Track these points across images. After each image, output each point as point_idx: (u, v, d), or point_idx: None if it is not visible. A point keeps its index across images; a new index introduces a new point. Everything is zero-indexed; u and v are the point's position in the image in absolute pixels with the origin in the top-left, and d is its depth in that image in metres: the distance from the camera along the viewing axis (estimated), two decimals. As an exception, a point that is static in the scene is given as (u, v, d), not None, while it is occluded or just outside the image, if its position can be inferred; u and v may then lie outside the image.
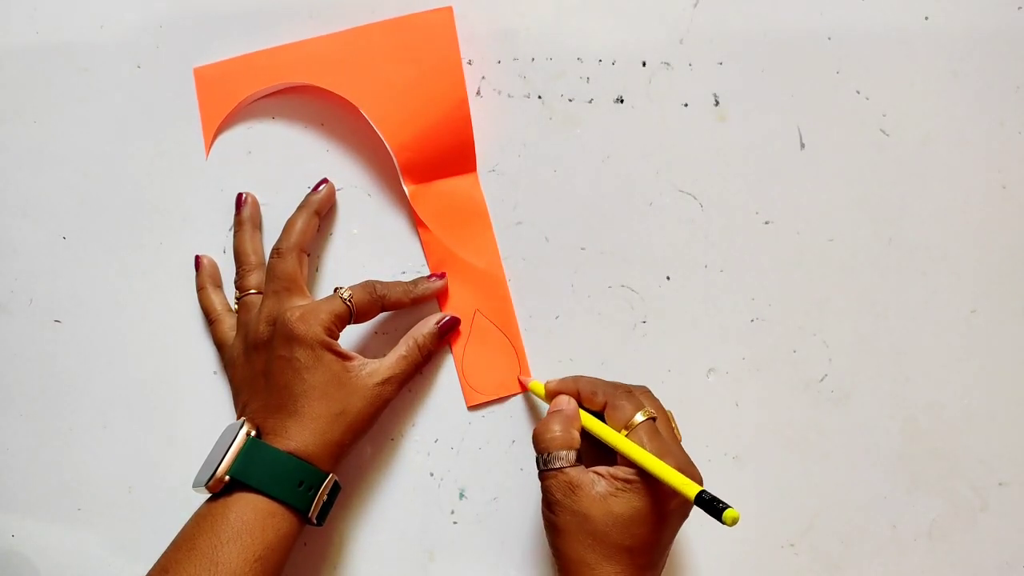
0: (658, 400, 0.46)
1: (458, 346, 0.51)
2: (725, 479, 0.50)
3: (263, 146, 0.53)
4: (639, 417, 0.43)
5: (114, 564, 0.53)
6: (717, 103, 0.51)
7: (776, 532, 0.50)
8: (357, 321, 0.48)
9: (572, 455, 0.43)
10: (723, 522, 0.36)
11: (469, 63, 0.51)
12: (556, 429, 0.44)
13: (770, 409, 0.51)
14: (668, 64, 0.51)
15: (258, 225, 0.52)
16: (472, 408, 0.51)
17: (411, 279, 0.50)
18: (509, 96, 0.52)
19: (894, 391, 0.51)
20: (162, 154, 0.53)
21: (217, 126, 0.53)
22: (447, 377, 0.51)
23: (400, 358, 0.48)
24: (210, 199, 0.53)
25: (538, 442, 0.44)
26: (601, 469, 0.42)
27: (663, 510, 0.41)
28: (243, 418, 0.46)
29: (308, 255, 0.50)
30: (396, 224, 0.52)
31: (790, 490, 0.50)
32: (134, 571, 0.52)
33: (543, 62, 0.51)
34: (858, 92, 0.51)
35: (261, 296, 0.49)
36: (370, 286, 0.48)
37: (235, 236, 0.52)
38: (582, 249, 0.51)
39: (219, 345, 0.51)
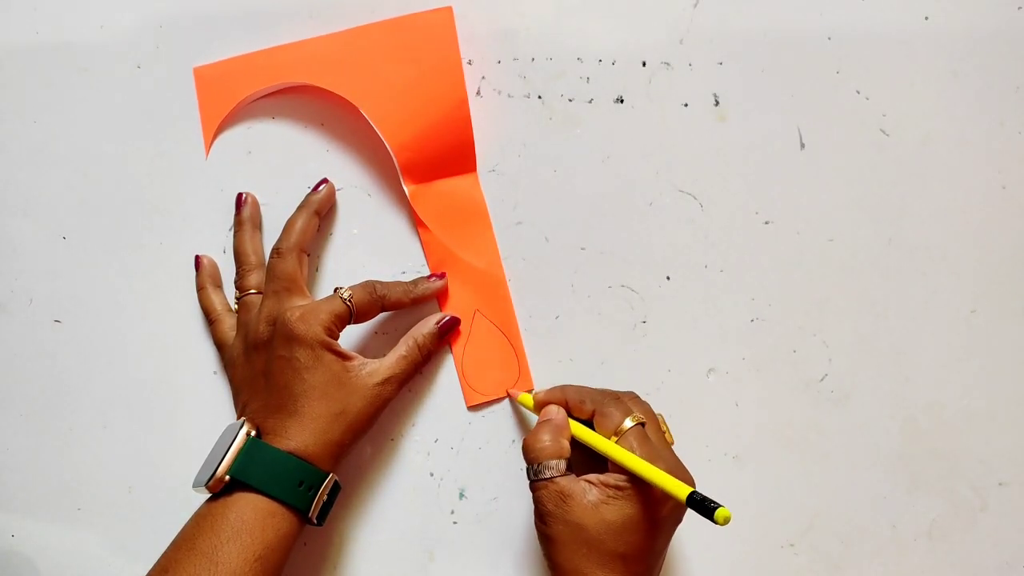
0: (647, 404, 0.46)
1: (458, 346, 0.51)
2: (725, 479, 0.50)
3: (263, 146, 0.53)
4: (628, 423, 0.43)
5: (114, 564, 0.53)
6: (717, 103, 0.51)
7: (776, 532, 0.50)
8: (357, 321, 0.48)
9: (562, 464, 0.43)
10: (715, 521, 0.36)
11: (469, 63, 0.51)
12: (546, 439, 0.44)
13: (770, 409, 0.51)
14: (668, 64, 0.51)
15: (258, 225, 0.52)
16: (472, 408, 0.51)
17: (411, 279, 0.50)
18: (509, 96, 0.52)
19: (894, 391, 0.51)
20: (162, 154, 0.53)
21: (217, 126, 0.53)
22: (447, 377, 0.51)
23: (400, 358, 0.48)
24: (210, 199, 0.53)
25: (528, 452, 0.44)
26: (592, 477, 0.42)
27: (656, 516, 0.41)
28: (243, 418, 0.46)
29: (308, 255, 0.50)
30: (396, 224, 0.52)
31: (790, 490, 0.50)
32: (134, 571, 0.52)
33: (543, 62, 0.51)
34: (858, 92, 0.51)
35: (261, 296, 0.49)
36: (370, 286, 0.48)
37: (235, 236, 0.52)
38: (582, 249, 0.51)
39: (219, 345, 0.51)
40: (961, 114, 0.51)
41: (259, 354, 0.47)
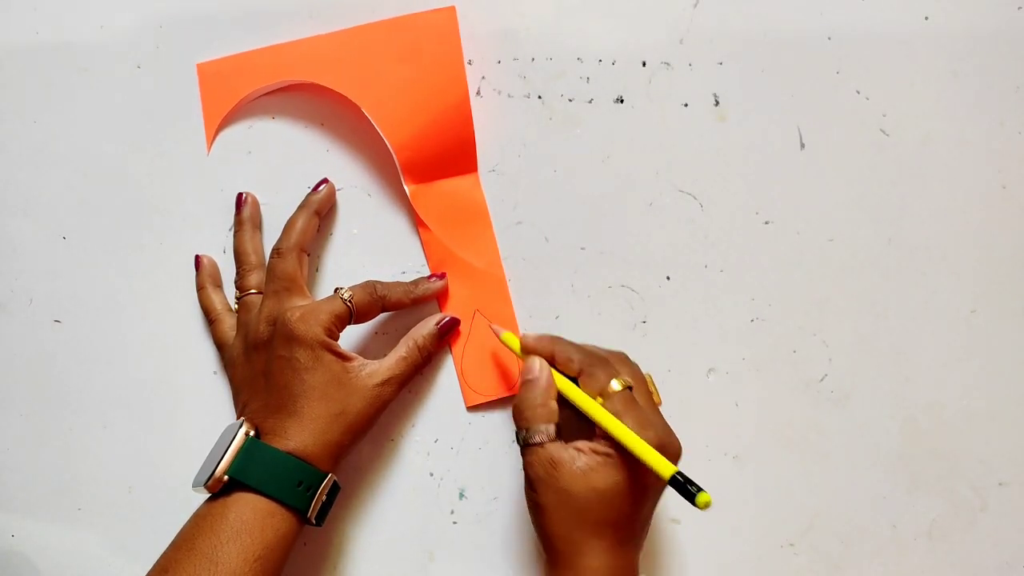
0: (636, 366, 0.45)
1: (458, 347, 0.51)
2: (725, 479, 0.50)
3: (263, 146, 0.53)
4: (615, 385, 0.42)
5: (114, 564, 0.53)
6: (717, 103, 0.51)
7: (776, 532, 0.50)
8: (357, 321, 0.48)
9: (552, 429, 0.42)
10: (696, 505, 0.36)
11: (469, 63, 0.51)
12: (536, 403, 0.43)
13: (770, 409, 0.51)
14: (668, 64, 0.51)
15: (258, 225, 0.52)
16: (471, 409, 0.51)
17: (411, 279, 0.50)
18: (509, 96, 0.52)
19: (894, 391, 0.51)
20: (162, 154, 0.53)
21: (219, 122, 0.53)
22: (447, 377, 0.51)
23: (400, 359, 0.48)
24: (210, 199, 0.53)
25: (517, 416, 0.43)
26: (582, 444, 0.42)
27: (643, 483, 0.41)
28: (242, 418, 0.46)
29: (308, 255, 0.50)
30: (396, 224, 0.52)
31: (790, 490, 0.50)
32: (134, 571, 0.52)
33: (543, 62, 0.51)
34: (858, 92, 0.51)
35: (261, 296, 0.49)
36: (370, 286, 0.48)
37: (235, 236, 0.52)
38: (582, 249, 0.51)
39: (219, 345, 0.51)
40: (961, 114, 0.51)
41: (259, 354, 0.47)
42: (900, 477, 0.50)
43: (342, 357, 0.46)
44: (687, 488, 0.37)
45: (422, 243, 0.52)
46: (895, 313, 0.51)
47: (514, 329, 0.51)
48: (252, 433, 0.45)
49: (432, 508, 0.51)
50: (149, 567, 0.43)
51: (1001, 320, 0.50)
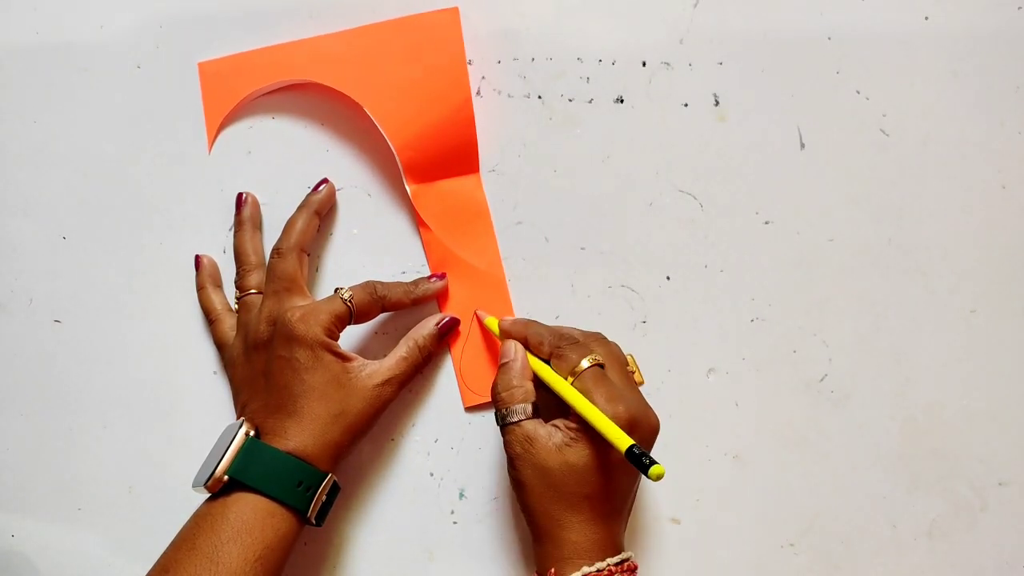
0: (613, 345, 0.46)
1: (457, 347, 0.51)
2: (725, 479, 0.50)
3: (264, 146, 0.53)
4: (584, 363, 0.43)
5: (114, 564, 0.53)
6: (717, 103, 0.51)
7: (776, 532, 0.50)
8: (357, 322, 0.48)
9: (528, 408, 0.44)
10: (649, 477, 0.37)
11: (469, 63, 0.51)
12: (512, 384, 0.44)
13: (770, 409, 0.51)
14: (668, 64, 0.51)
15: (258, 225, 0.52)
16: (470, 409, 0.51)
17: (411, 279, 0.50)
18: (509, 96, 0.52)
19: (894, 391, 0.51)
20: (162, 154, 0.53)
21: (220, 121, 0.53)
22: (447, 378, 0.51)
23: (400, 359, 0.48)
24: (210, 199, 0.53)
25: (494, 398, 0.45)
26: (558, 421, 0.43)
27: (610, 459, 0.42)
28: (242, 418, 0.46)
29: (308, 255, 0.50)
30: (396, 224, 0.52)
31: (790, 490, 0.50)
32: (134, 571, 0.52)
33: (543, 62, 0.51)
34: (858, 92, 0.51)
35: (261, 296, 0.49)
36: (370, 287, 0.48)
37: (235, 236, 0.52)
38: (582, 249, 0.51)
39: (219, 345, 0.51)
40: (961, 114, 0.51)
41: (259, 354, 0.47)
42: (900, 477, 0.50)
43: (342, 357, 0.46)
44: (642, 460, 0.38)
45: (422, 243, 0.52)
46: (895, 313, 0.51)
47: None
48: (252, 433, 0.45)
49: (432, 508, 0.51)
50: (149, 567, 0.43)
51: (1001, 320, 0.50)
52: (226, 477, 0.44)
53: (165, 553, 0.43)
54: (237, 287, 0.51)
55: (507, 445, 0.44)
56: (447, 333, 0.50)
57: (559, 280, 0.51)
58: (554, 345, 0.45)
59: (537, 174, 0.51)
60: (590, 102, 0.51)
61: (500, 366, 0.46)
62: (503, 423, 0.44)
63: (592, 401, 0.41)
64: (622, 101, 0.51)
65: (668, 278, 0.51)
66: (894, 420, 0.50)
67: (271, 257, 0.49)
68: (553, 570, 0.41)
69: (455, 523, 0.51)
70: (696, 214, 0.51)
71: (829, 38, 0.51)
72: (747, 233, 0.51)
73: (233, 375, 0.50)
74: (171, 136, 0.53)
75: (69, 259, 0.54)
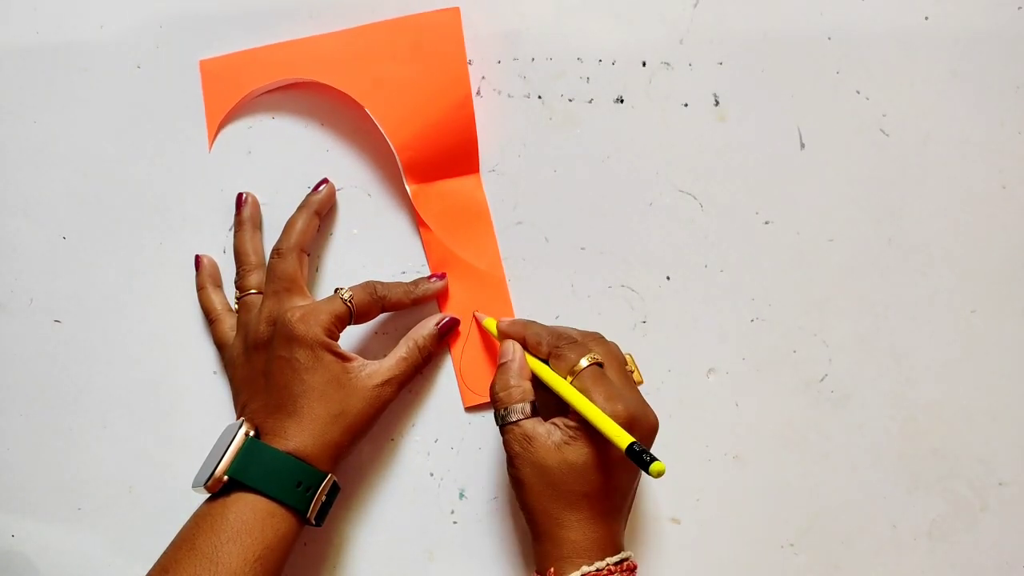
0: (612, 344, 0.46)
1: (457, 347, 0.51)
2: (725, 479, 0.50)
3: (264, 146, 0.53)
4: (583, 363, 0.43)
5: (114, 564, 0.53)
6: (717, 103, 0.51)
7: (776, 532, 0.50)
8: (357, 322, 0.48)
9: (527, 407, 0.44)
10: (650, 474, 0.37)
11: (469, 63, 0.51)
12: (510, 384, 0.44)
13: (770, 409, 0.51)
14: (668, 64, 0.51)
15: (258, 225, 0.52)
16: (469, 409, 0.51)
17: (411, 280, 0.50)
18: (509, 96, 0.52)
19: (894, 391, 0.51)
20: (162, 154, 0.53)
21: (221, 119, 0.53)
22: (447, 378, 0.51)
23: (400, 359, 0.48)
24: (210, 199, 0.53)
25: (493, 398, 0.45)
26: (557, 420, 0.43)
27: (610, 457, 0.42)
28: (242, 418, 0.46)
29: (308, 255, 0.50)
30: (396, 224, 0.52)
31: (790, 490, 0.50)
32: (134, 571, 0.52)
33: (543, 62, 0.51)
34: (858, 92, 0.51)
35: (261, 296, 0.49)
36: (371, 287, 0.48)
37: (235, 236, 0.52)
38: (582, 249, 0.51)
39: (219, 345, 0.51)
40: (961, 114, 0.51)
41: (259, 354, 0.47)
42: (900, 477, 0.50)
43: (342, 357, 0.46)
44: (642, 458, 0.38)
45: (423, 243, 0.52)
46: (895, 313, 0.51)
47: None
48: (252, 433, 0.45)
49: (432, 508, 0.51)
50: (149, 567, 0.43)
51: (1001, 320, 0.50)
52: (226, 477, 0.44)
53: (165, 553, 0.43)
54: (237, 287, 0.51)
55: (506, 444, 0.44)
56: (447, 333, 0.50)
57: (559, 280, 0.51)
58: (552, 345, 0.45)
59: (537, 174, 0.52)
60: (590, 102, 0.51)
61: (498, 366, 0.46)
62: (502, 423, 0.44)
63: (591, 400, 0.41)
64: (622, 101, 0.51)
65: (668, 278, 0.51)
66: (894, 420, 0.50)
67: (271, 257, 0.49)
68: (552, 569, 0.41)
69: (455, 523, 0.51)
70: (696, 214, 0.51)
71: (829, 38, 0.51)
72: (747, 233, 0.51)
73: (233, 375, 0.50)
74: (171, 136, 0.53)
75: (69, 259, 0.54)
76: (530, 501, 0.43)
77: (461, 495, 0.51)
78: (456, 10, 0.50)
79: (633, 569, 0.42)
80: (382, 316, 0.51)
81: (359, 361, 0.47)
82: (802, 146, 0.51)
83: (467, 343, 0.51)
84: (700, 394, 0.51)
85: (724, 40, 0.51)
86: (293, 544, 0.45)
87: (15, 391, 0.54)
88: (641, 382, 0.46)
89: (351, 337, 0.51)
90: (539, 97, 0.51)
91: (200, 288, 0.52)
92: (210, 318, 0.51)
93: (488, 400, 0.51)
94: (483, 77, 0.52)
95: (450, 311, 0.51)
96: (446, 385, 0.51)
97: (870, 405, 0.50)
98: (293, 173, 0.52)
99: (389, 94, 0.50)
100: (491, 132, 0.51)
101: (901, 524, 0.50)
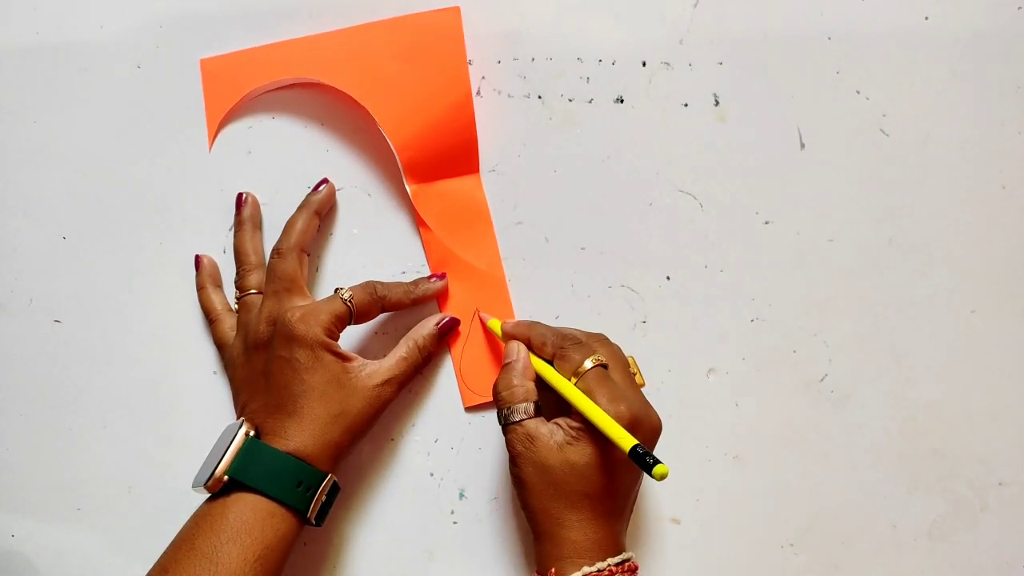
0: (615, 346, 0.46)
1: (457, 347, 0.51)
2: (725, 479, 0.50)
3: (264, 146, 0.53)
4: (587, 364, 0.43)
5: (114, 564, 0.53)
6: (717, 103, 0.51)
7: (776, 532, 0.50)
8: (357, 322, 0.48)
9: (530, 407, 0.44)
10: (653, 476, 0.37)
11: (469, 63, 0.51)
12: (513, 384, 0.44)
13: (770, 409, 0.51)
14: (668, 64, 0.51)
15: (258, 225, 0.52)
16: (469, 409, 0.51)
17: (411, 279, 0.50)
18: (509, 96, 0.52)
19: (894, 391, 0.51)
20: (162, 154, 0.53)
21: (222, 118, 0.53)
22: (447, 378, 0.51)
23: (400, 359, 0.48)
24: (210, 199, 0.53)
25: (496, 397, 0.45)
26: (560, 420, 0.43)
27: (613, 458, 0.42)
28: (242, 418, 0.46)
29: (308, 255, 0.50)
30: (397, 224, 0.52)
31: (790, 490, 0.50)
32: (134, 571, 0.52)
33: (543, 62, 0.51)
34: (858, 92, 0.51)
35: (261, 296, 0.49)
36: (371, 287, 0.48)
37: (235, 236, 0.52)
38: (582, 249, 0.51)
39: (219, 345, 0.51)
40: (961, 114, 0.51)
41: (259, 354, 0.47)
42: (900, 477, 0.50)
43: (342, 357, 0.46)
44: (645, 460, 0.38)
45: (423, 243, 0.52)
46: (895, 313, 0.51)
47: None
48: (252, 433, 0.45)
49: (432, 508, 0.51)
50: (149, 567, 0.43)
51: (1001, 320, 0.50)
52: (226, 477, 0.44)
53: (165, 553, 0.43)
54: (237, 287, 0.51)
55: (509, 444, 0.44)
56: (447, 333, 0.50)
57: (559, 280, 0.51)
58: (557, 346, 0.45)
59: (537, 174, 0.52)
60: (590, 102, 0.51)
61: (502, 366, 0.46)
62: (505, 422, 0.44)
63: (595, 401, 0.41)
64: (622, 101, 0.51)
65: (668, 278, 0.51)
66: (894, 420, 0.50)
67: (271, 257, 0.49)
68: (553, 569, 0.41)
69: (455, 523, 0.51)
70: (696, 214, 0.51)
71: (829, 38, 0.51)
72: (747, 233, 0.51)
73: (233, 375, 0.50)
74: (171, 136, 0.53)
75: (69, 259, 0.54)
76: (532, 501, 0.43)
77: (461, 495, 0.51)
78: (456, 10, 0.50)
79: (634, 570, 0.42)
80: (382, 316, 0.51)
81: (359, 361, 0.47)
82: (802, 146, 0.51)
83: (467, 343, 0.51)
84: (700, 394, 0.51)
85: (724, 40, 0.51)
86: (293, 544, 0.45)
87: (15, 391, 0.54)
88: (643, 385, 0.46)
89: (351, 337, 0.51)
90: (539, 97, 0.51)
91: (200, 288, 0.52)
92: (210, 318, 0.51)
93: (488, 400, 0.51)
94: (483, 77, 0.52)
95: (450, 311, 0.51)
96: (446, 385, 0.51)
97: (870, 405, 0.50)
98: (293, 173, 0.52)
99: (389, 94, 0.50)
100: (491, 132, 0.51)
101: (901, 524, 0.50)
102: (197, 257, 0.52)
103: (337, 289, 0.48)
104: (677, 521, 0.50)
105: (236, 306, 0.51)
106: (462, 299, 0.51)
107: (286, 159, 0.53)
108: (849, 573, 0.50)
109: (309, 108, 0.52)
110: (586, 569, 0.41)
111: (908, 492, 0.50)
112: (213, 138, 0.53)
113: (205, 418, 0.52)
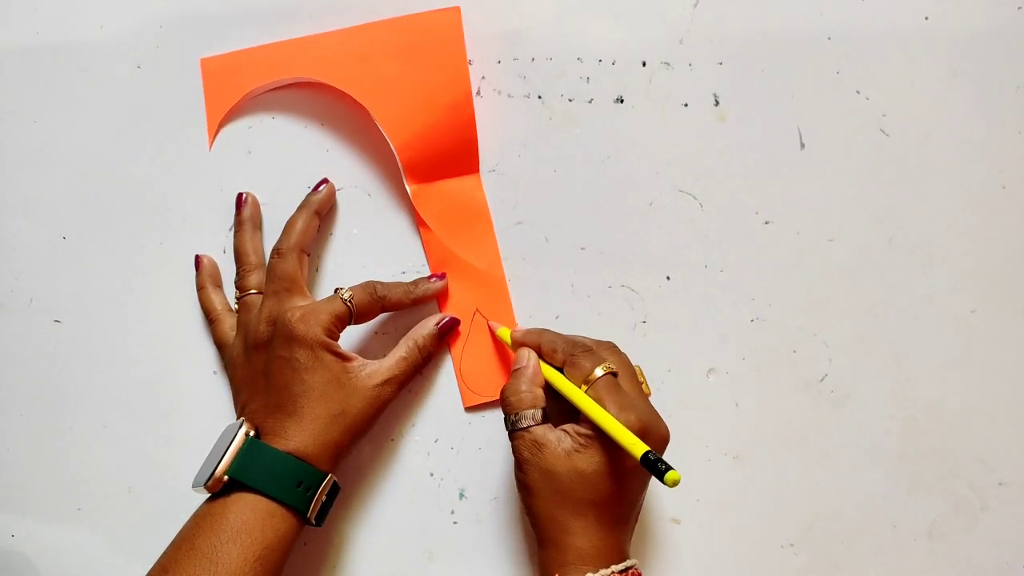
0: (624, 355, 0.46)
1: (457, 347, 0.51)
2: (725, 479, 0.50)
3: (264, 146, 0.53)
4: (598, 372, 0.43)
5: (114, 564, 0.53)
6: (717, 103, 0.51)
7: (776, 532, 0.50)
8: (357, 322, 0.48)
9: (538, 414, 0.44)
10: (665, 483, 0.37)
11: (469, 63, 0.51)
12: (521, 390, 0.44)
13: (770, 409, 0.51)
14: (668, 64, 0.51)
15: (258, 225, 0.52)
16: (470, 409, 0.51)
17: (411, 279, 0.50)
18: (509, 96, 0.52)
19: (894, 391, 0.51)
20: (162, 154, 0.53)
21: (222, 117, 0.53)
22: (447, 377, 0.51)
23: (400, 359, 0.48)
24: (210, 199, 0.53)
25: (504, 403, 0.45)
26: (568, 427, 0.43)
27: (623, 464, 0.42)
28: (242, 418, 0.46)
29: (308, 255, 0.50)
30: (397, 224, 0.52)
31: (790, 490, 0.50)
32: (134, 571, 0.52)
33: (543, 62, 0.51)
34: (858, 92, 0.51)
35: (261, 296, 0.49)
36: (371, 287, 0.48)
37: (235, 236, 0.52)
38: (582, 249, 0.51)
39: (219, 345, 0.51)
40: (961, 114, 0.51)
41: (259, 354, 0.47)
42: (900, 477, 0.50)
43: (342, 357, 0.46)
44: (657, 467, 0.38)
45: (423, 243, 0.52)
46: (895, 313, 0.51)
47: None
48: (252, 433, 0.45)
49: (432, 508, 0.51)
50: (149, 567, 0.43)
51: (1001, 320, 0.50)
52: (226, 477, 0.44)
53: (165, 553, 0.43)
54: (237, 287, 0.51)
55: (515, 450, 0.44)
56: (447, 333, 0.50)
57: (559, 280, 0.51)
58: (567, 353, 0.45)
59: (537, 174, 0.52)
60: (590, 102, 0.51)
61: (512, 372, 0.46)
62: (512, 428, 0.44)
63: (605, 409, 0.41)
64: (622, 101, 0.51)
65: (668, 278, 0.51)
66: (894, 420, 0.50)
67: (271, 257, 0.49)
68: (557, 575, 0.41)
69: (455, 523, 0.51)
70: (696, 214, 0.51)
71: (829, 38, 0.51)
72: (747, 233, 0.51)
73: (233, 375, 0.50)
74: (171, 136, 0.53)
75: (69, 259, 0.54)
76: (537, 507, 0.43)
77: (461, 495, 0.51)
78: (456, 10, 0.50)
79: None
80: (382, 316, 0.51)
81: (359, 361, 0.47)
82: (802, 146, 0.51)
83: (467, 343, 0.51)
84: (700, 394, 0.51)
85: (724, 40, 0.51)
86: (293, 544, 0.45)
87: (15, 391, 0.54)
88: (649, 393, 0.46)
89: (351, 337, 0.51)
90: (539, 97, 0.51)
91: (200, 288, 0.52)
92: (210, 318, 0.51)
93: (488, 400, 0.51)
94: (483, 77, 0.52)
95: (450, 311, 0.51)
96: (446, 385, 0.51)
97: (870, 405, 0.50)
98: (293, 173, 0.52)
99: (389, 94, 0.50)
100: (491, 132, 0.51)
101: (901, 524, 0.50)
102: (197, 257, 0.52)
103: (337, 289, 0.48)
104: (677, 521, 0.50)
105: (236, 306, 0.51)
106: (462, 299, 0.51)
107: (286, 159, 0.53)
108: (849, 573, 0.50)
109: (309, 108, 0.52)
110: (589, 575, 0.41)
111: (908, 492, 0.50)
112: (213, 138, 0.53)
113: (205, 418, 0.52)
